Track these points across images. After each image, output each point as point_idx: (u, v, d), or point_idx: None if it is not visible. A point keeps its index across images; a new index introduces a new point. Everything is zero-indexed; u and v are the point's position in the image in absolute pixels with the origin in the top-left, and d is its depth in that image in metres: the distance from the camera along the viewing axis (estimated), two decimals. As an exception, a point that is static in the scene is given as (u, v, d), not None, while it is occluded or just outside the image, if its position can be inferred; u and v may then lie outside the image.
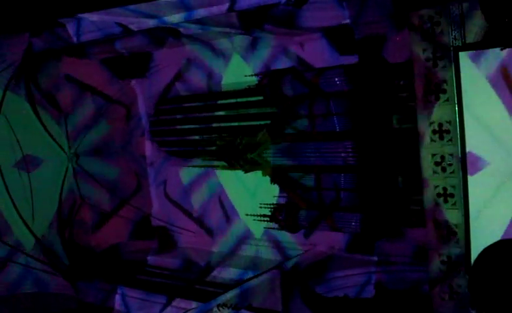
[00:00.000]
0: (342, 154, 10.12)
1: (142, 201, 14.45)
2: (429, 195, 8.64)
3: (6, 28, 11.13)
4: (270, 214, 11.90)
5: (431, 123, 8.42)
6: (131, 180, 14.50)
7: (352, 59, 10.31)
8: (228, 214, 13.35)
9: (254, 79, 11.94)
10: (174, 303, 10.71)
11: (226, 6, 9.46)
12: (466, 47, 7.99)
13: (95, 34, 11.13)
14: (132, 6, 9.81)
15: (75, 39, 11.28)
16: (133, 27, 10.66)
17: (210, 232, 13.76)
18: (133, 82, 14.06)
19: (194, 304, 10.32)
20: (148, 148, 14.54)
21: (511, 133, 7.74)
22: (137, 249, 13.94)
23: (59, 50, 12.44)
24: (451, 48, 8.08)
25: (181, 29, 11.35)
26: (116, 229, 14.04)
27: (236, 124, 12.52)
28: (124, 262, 13.75)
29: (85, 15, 10.50)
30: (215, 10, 9.70)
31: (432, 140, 8.45)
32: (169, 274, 13.10)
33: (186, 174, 13.94)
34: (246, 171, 11.91)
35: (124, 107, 14.27)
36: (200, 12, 9.82)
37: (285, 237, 12.29)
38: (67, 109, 13.41)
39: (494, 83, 7.76)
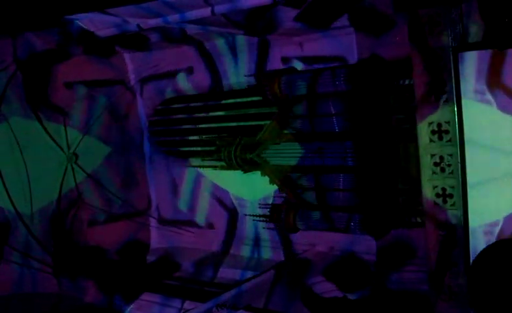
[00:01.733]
0: (342, 155, 10.11)
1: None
2: (428, 195, 8.64)
3: (7, 27, 11.13)
4: (269, 214, 11.90)
5: (430, 123, 8.42)
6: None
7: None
8: (227, 215, 13.37)
9: (253, 79, 11.94)
10: (173, 303, 10.71)
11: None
12: (465, 47, 7.99)
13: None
14: (134, 5, 9.85)
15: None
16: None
17: (208, 232, 13.78)
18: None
19: (193, 304, 10.32)
20: (147, 148, 14.56)
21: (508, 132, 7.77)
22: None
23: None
24: (450, 49, 8.08)
25: (184, 29, 11.40)
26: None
27: (235, 124, 12.53)
28: (122, 262, 13.74)
29: (88, 15, 10.52)
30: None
31: (431, 140, 8.46)
32: (167, 274, 13.09)
33: (184, 176, 13.98)
34: (245, 172, 11.90)
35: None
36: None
37: (284, 237, 12.31)
38: (67, 109, 13.38)
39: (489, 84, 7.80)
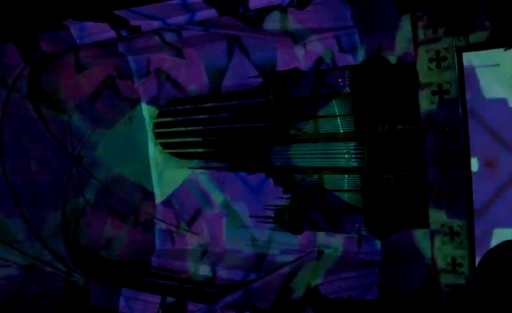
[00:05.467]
0: (346, 156, 10.11)
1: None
2: (433, 196, 8.62)
3: (11, 31, 11.17)
4: (273, 215, 11.90)
5: (435, 124, 8.40)
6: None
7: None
8: (231, 216, 13.38)
9: (257, 81, 11.94)
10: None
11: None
12: (469, 47, 7.98)
13: (98, 36, 11.19)
14: (135, 8, 9.87)
15: (78, 41, 11.34)
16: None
17: (213, 234, 13.80)
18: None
19: (198, 306, 10.33)
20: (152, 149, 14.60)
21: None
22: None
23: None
24: (455, 49, 8.06)
25: (183, 31, 11.41)
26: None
27: (239, 125, 12.52)
28: (128, 263, 13.77)
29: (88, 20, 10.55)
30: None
31: (435, 141, 8.44)
32: (172, 276, 13.11)
33: (188, 177, 14.02)
34: (249, 173, 11.91)
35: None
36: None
37: (289, 238, 12.30)
38: (72, 111, 13.43)
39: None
